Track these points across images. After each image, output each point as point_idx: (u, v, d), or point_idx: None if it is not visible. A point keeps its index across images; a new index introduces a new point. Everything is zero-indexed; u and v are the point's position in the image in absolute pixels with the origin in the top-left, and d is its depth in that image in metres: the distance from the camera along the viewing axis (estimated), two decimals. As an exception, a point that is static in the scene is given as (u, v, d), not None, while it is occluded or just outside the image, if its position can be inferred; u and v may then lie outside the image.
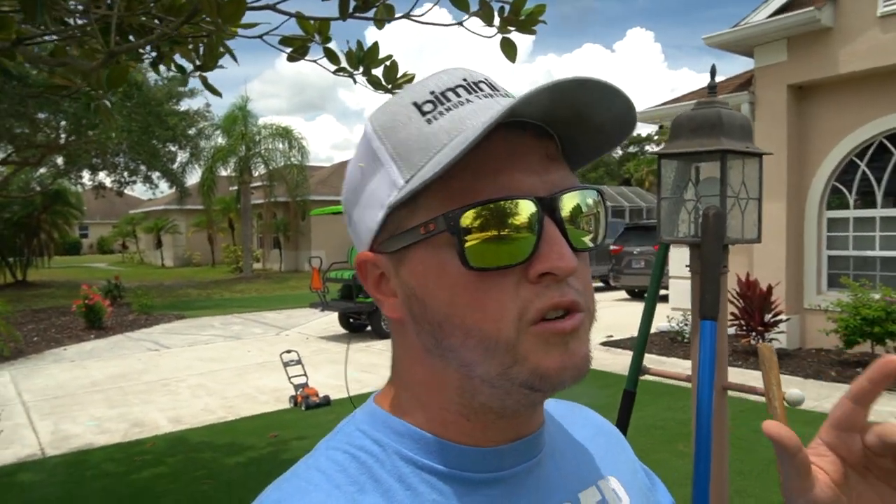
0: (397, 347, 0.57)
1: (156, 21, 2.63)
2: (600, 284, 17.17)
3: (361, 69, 2.91)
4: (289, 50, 2.84)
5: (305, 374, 6.78)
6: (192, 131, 21.51)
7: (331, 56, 2.89)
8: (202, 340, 11.15)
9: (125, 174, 22.10)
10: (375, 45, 2.88)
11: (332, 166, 32.93)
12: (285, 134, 25.26)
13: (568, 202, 0.50)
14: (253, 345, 10.57)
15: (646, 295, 1.97)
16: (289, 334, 11.61)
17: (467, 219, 0.47)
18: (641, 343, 1.96)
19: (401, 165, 0.50)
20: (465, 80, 0.53)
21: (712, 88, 1.71)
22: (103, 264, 37.24)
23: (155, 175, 22.31)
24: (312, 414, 6.24)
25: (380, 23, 2.57)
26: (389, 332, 0.59)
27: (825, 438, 0.47)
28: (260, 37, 2.66)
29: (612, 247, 15.26)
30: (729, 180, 1.54)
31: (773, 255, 8.22)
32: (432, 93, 0.52)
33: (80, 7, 2.48)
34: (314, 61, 2.89)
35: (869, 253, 8.06)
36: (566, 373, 0.49)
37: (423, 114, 0.51)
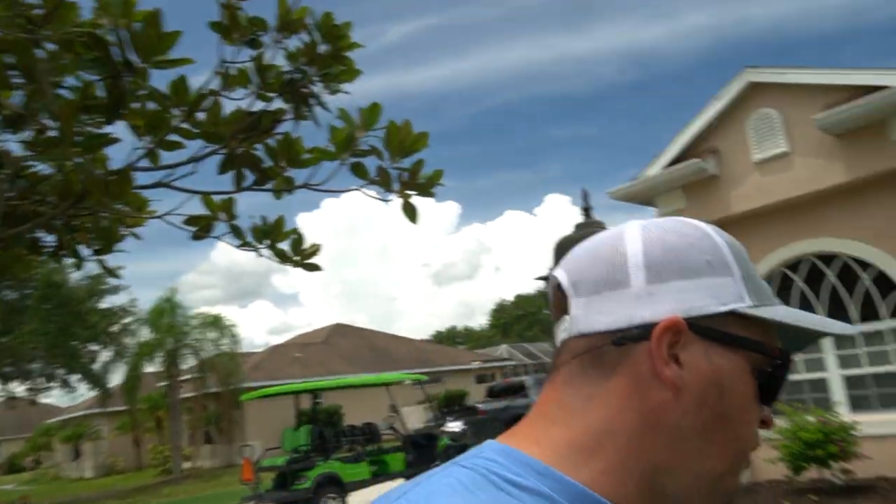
0: (618, 405, 0.59)
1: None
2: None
3: (268, 243, 2.93)
4: (193, 229, 2.85)
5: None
6: (115, 328, 20.85)
7: (236, 232, 2.92)
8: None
9: (41, 380, 20.87)
10: (280, 218, 2.92)
11: (265, 351, 32.20)
12: (215, 322, 24.81)
13: None
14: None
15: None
16: (220, 537, 10.57)
17: (783, 368, 0.62)
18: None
19: (749, 290, 0.61)
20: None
21: (586, 210, 1.80)
22: (11, 485, 33.76)
23: (74, 378, 21.16)
24: None
25: (278, 193, 2.64)
26: (612, 385, 0.60)
27: None
28: (160, 216, 2.67)
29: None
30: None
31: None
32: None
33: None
34: (217, 238, 2.90)
35: (797, 377, 8.26)
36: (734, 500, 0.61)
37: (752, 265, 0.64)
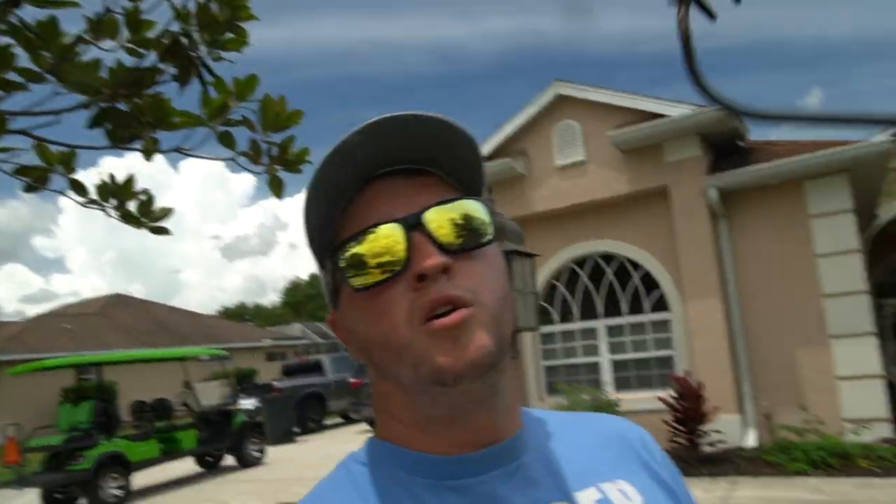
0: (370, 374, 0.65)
1: None
2: (340, 421, 17.15)
3: (115, 202, 2.77)
4: (27, 180, 2.61)
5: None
6: None
7: (78, 188, 2.72)
8: None
9: None
10: (131, 177, 2.79)
11: (25, 321, 28.42)
12: (-38, 284, 21.34)
13: (436, 215, 0.57)
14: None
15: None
16: (-30, 529, 9.29)
17: (344, 253, 0.58)
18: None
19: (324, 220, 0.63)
20: None
21: (491, 201, 2.01)
22: None
23: None
24: None
25: (147, 154, 2.52)
26: None
27: None
28: (-5, 164, 2.42)
29: (351, 380, 15.41)
30: (513, 276, 1.84)
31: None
32: None
33: None
34: (60, 192, 2.69)
35: (575, 360, 9.39)
36: (460, 364, 0.54)
37: None
